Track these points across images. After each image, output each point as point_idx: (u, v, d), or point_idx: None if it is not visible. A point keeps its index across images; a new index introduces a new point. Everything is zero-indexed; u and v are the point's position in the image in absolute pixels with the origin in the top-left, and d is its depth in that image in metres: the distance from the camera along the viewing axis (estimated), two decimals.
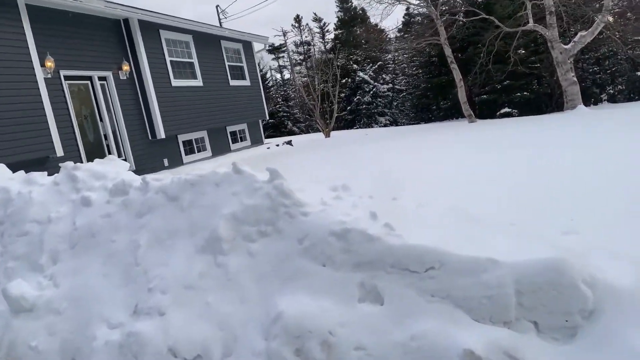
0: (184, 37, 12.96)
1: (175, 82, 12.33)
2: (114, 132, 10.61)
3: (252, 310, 2.60)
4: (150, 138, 11.53)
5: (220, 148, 14.65)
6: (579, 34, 16.68)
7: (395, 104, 33.81)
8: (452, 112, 27.93)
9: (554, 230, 3.53)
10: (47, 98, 8.66)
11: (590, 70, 24.84)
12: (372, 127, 32.35)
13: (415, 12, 30.70)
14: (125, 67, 10.85)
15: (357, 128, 32.62)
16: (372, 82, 33.24)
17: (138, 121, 11.26)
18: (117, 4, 10.26)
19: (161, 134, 11.49)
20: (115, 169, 3.87)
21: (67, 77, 9.52)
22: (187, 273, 2.83)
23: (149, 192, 3.30)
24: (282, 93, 38.48)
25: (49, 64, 8.95)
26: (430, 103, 29.67)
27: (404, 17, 35.39)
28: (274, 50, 42.68)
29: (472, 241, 2.65)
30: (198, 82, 13.37)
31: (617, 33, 19.42)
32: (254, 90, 16.66)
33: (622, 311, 2.30)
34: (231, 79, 15.19)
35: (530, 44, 23.25)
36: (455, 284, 2.44)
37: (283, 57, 44.04)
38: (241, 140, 16.24)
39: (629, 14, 21.23)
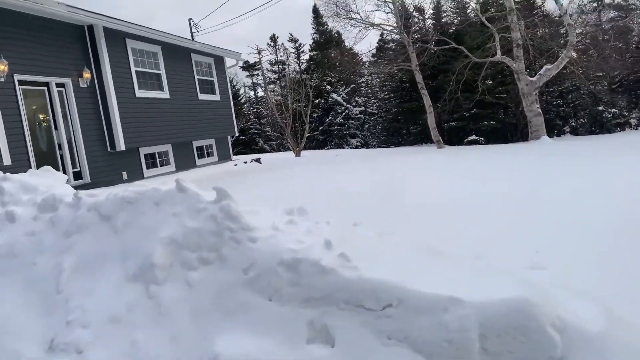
0: (152, 48, 12.58)
1: (140, 93, 11.88)
2: (69, 142, 10.04)
3: (185, 350, 2.27)
4: (109, 149, 10.99)
5: (185, 163, 14.17)
6: (545, 67, 17.22)
7: (366, 126, 34.07)
8: (422, 137, 28.29)
9: (520, 264, 3.36)
10: None
11: (554, 102, 25.71)
12: (344, 148, 32.42)
13: (389, 38, 31.24)
14: (86, 75, 10.36)
15: (328, 148, 32.62)
16: (344, 104, 33.46)
17: (97, 131, 10.73)
18: (81, 9, 9.82)
19: (121, 145, 10.97)
20: (49, 181, 3.49)
21: (21, 82, 8.97)
22: (114, 304, 2.48)
23: (80, 209, 2.94)
24: (254, 110, 38.24)
25: (2, 67, 8.41)
26: (400, 127, 30.00)
27: (378, 43, 36.03)
28: (249, 67, 42.55)
29: (434, 276, 2.42)
30: (164, 94, 12.95)
31: (580, 68, 20.20)
32: (223, 105, 16.32)
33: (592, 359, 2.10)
34: (200, 92, 14.81)
35: (497, 75, 23.93)
36: (414, 325, 2.19)
37: (257, 74, 43.96)
38: (208, 156, 15.79)
39: (591, 51, 22.16)
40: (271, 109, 29.52)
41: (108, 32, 10.87)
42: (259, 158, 16.73)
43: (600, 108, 24.50)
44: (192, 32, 20.38)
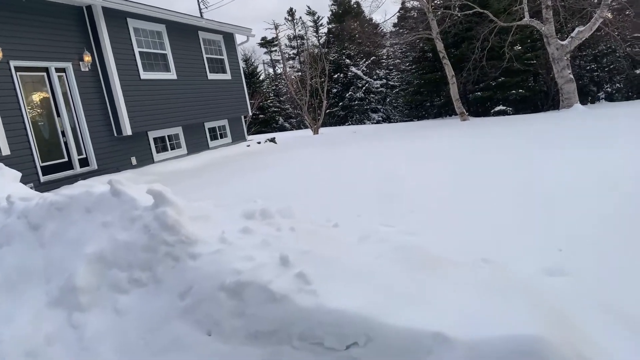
0: (155, 27, 12.10)
1: (145, 75, 11.48)
2: (73, 128, 9.78)
3: None
4: (115, 134, 10.70)
5: (197, 145, 13.82)
6: (577, 29, 15.95)
7: (388, 100, 33.02)
8: (446, 110, 27.16)
9: (537, 266, 2.79)
10: None
11: (588, 67, 24.07)
12: (365, 123, 31.59)
13: (409, 5, 29.82)
14: (87, 58, 10.00)
15: (349, 124, 31.88)
16: (365, 77, 32.43)
17: (102, 116, 10.42)
18: None
19: (127, 130, 10.66)
20: None
21: (18, 68, 8.68)
22: (33, 334, 2.07)
23: (11, 216, 2.53)
24: (273, 88, 37.62)
25: None
26: (423, 100, 28.85)
27: (399, 12, 34.54)
28: (266, 44, 41.76)
29: (419, 300, 1.90)
30: (171, 75, 12.52)
31: (615, 30, 18.68)
32: (235, 84, 15.80)
33: None
34: (210, 72, 14.32)
35: (526, 39, 22.48)
36: None
37: (275, 51, 43.13)
38: (221, 137, 15.40)
39: (628, 11, 20.45)
40: (289, 86, 28.87)
41: (107, 11, 10.43)
42: (274, 138, 16.26)
43: (638, 71, 22.80)
44: (200, 9, 19.80)
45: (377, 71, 33.59)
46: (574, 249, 3.00)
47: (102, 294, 2.07)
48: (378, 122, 31.75)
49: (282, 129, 34.32)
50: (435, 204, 4.08)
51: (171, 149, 12.83)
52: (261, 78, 38.77)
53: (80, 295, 2.05)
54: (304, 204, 3.93)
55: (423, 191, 4.65)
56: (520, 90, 23.27)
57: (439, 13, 19.99)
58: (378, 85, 32.73)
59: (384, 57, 34.99)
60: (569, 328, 1.80)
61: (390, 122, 31.21)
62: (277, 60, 44.26)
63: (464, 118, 18.08)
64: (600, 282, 2.46)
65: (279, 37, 40.43)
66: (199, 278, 1.95)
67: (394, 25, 34.85)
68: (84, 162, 9.99)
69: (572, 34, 15.94)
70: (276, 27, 39.65)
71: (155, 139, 12.21)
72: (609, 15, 17.53)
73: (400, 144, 9.87)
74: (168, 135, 12.75)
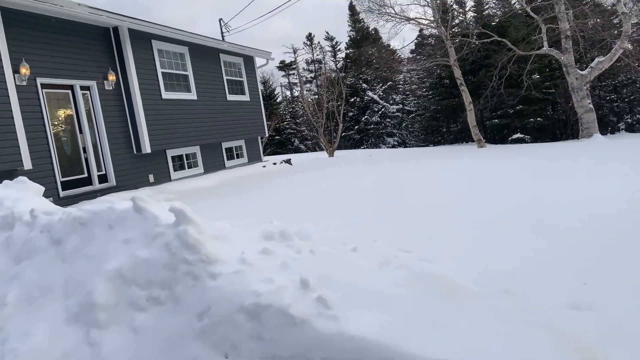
0: (179, 49, 12.41)
1: (166, 95, 11.72)
2: (94, 145, 9.97)
3: None
4: (135, 152, 10.88)
5: (213, 165, 13.97)
6: (597, 59, 15.90)
7: (404, 124, 33.10)
8: (462, 136, 27.12)
9: (562, 299, 2.71)
10: (17, 106, 8.04)
11: (608, 97, 23.92)
12: (380, 147, 31.64)
13: (427, 33, 30.15)
14: (112, 77, 10.27)
15: (364, 148, 31.95)
16: (381, 102, 32.65)
17: (122, 134, 10.63)
18: (103, 10, 9.71)
19: (147, 148, 10.83)
20: (19, 194, 3.14)
21: (44, 85, 8.94)
22: (49, 350, 2.06)
23: (34, 230, 2.56)
24: (290, 110, 38.05)
25: (24, 70, 8.37)
26: (440, 125, 28.89)
27: (417, 38, 34.93)
28: (285, 67, 42.45)
29: (440, 329, 1.85)
30: (192, 96, 12.77)
31: (636, 61, 18.60)
32: (253, 106, 16.04)
33: None
34: (229, 93, 14.57)
35: (544, 68, 22.49)
36: None
37: (293, 74, 43.78)
38: (238, 157, 15.56)
39: None
40: (306, 109, 29.18)
41: (133, 33, 10.75)
42: (289, 159, 16.34)
43: None
44: (222, 32, 20.29)
45: (394, 96, 33.82)
46: (597, 281, 2.92)
47: (120, 312, 2.07)
48: (393, 146, 31.79)
49: (298, 150, 34.55)
50: (452, 230, 4.03)
51: (188, 168, 12.98)
52: (278, 100, 39.29)
53: (98, 312, 2.05)
54: (320, 224, 3.91)
55: (439, 216, 4.60)
56: (538, 119, 23.18)
57: (457, 41, 20.16)
58: (394, 110, 32.90)
59: (401, 82, 35.26)
60: None
61: (405, 146, 31.21)
62: (295, 83, 44.89)
63: (481, 145, 18.01)
64: (625, 316, 2.38)
65: (297, 61, 41.09)
66: (218, 298, 1.94)
67: (412, 51, 35.19)
68: (103, 179, 10.14)
69: (592, 64, 15.90)
70: (295, 52, 40.35)
71: (173, 157, 12.38)
72: (629, 46, 17.48)
73: (416, 167, 9.84)
74: (186, 154, 12.93)
